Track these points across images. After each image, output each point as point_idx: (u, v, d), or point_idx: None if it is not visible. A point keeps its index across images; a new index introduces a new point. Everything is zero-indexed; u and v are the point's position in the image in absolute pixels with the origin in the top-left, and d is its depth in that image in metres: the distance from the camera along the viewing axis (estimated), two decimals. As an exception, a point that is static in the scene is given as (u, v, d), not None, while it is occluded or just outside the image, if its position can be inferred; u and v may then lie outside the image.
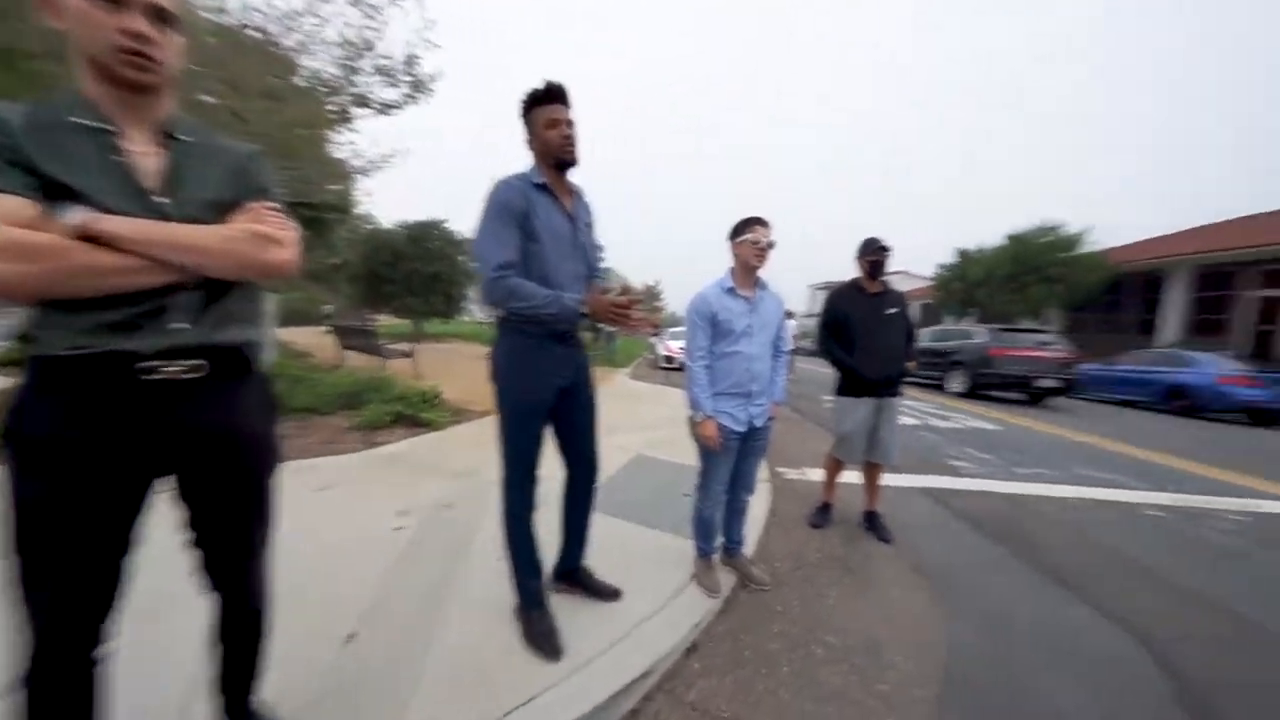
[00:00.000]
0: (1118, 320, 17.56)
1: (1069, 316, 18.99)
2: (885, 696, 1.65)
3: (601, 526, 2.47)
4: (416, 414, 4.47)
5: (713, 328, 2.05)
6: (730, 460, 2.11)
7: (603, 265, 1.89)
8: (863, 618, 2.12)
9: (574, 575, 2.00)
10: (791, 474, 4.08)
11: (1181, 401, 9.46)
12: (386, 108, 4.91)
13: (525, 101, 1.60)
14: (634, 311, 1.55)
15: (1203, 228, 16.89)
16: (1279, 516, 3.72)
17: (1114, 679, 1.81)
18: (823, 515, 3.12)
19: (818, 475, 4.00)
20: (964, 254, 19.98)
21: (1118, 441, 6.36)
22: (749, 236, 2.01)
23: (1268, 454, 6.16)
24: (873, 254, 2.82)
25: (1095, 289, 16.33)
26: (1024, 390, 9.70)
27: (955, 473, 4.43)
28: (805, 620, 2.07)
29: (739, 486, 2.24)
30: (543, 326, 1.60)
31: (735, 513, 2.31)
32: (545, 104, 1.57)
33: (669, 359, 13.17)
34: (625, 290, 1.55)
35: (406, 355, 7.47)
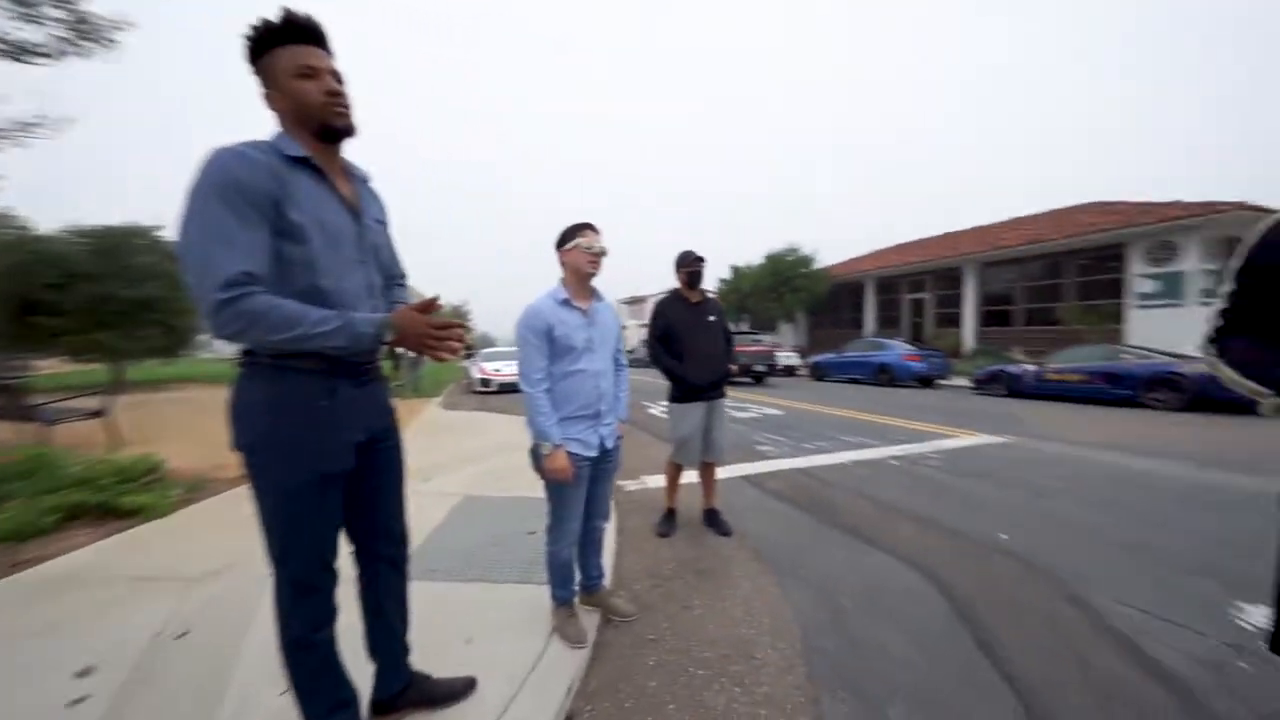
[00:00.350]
0: (840, 319, 23.13)
1: (810, 318, 24.25)
2: (769, 698, 1.65)
3: (430, 600, 1.99)
4: (111, 502, 3.06)
5: (550, 345, 1.83)
6: (583, 490, 1.91)
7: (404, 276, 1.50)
8: (727, 620, 2.14)
9: (405, 696, 1.49)
10: (631, 485, 4.07)
11: (885, 376, 12.86)
12: (20, 53, 3.29)
13: (254, 40, 1.11)
14: (455, 332, 1.22)
15: (881, 250, 23.53)
16: (960, 449, 5.25)
17: (914, 610, 2.19)
18: (669, 523, 3.15)
19: (656, 483, 4.09)
20: (736, 269, 23.78)
21: (857, 411, 8.24)
22: (581, 242, 1.86)
23: (934, 407, 8.77)
24: (690, 265, 2.98)
25: (824, 296, 21.28)
26: (749, 375, 13.13)
27: (764, 457, 5.06)
28: (677, 642, 1.98)
29: (594, 515, 2.05)
30: (324, 362, 1.15)
31: (591, 544, 2.11)
32: (290, 44, 1.12)
33: (485, 382, 12.28)
34: (433, 306, 1.19)
35: (95, 415, 5.20)
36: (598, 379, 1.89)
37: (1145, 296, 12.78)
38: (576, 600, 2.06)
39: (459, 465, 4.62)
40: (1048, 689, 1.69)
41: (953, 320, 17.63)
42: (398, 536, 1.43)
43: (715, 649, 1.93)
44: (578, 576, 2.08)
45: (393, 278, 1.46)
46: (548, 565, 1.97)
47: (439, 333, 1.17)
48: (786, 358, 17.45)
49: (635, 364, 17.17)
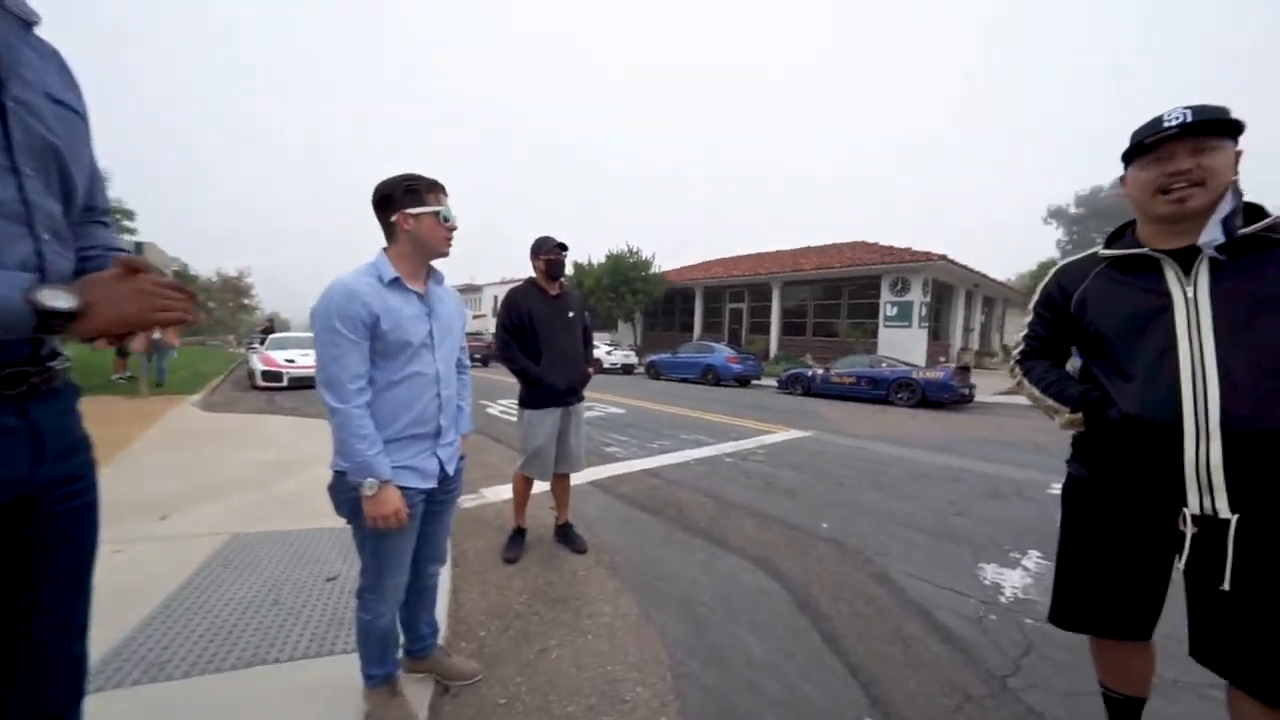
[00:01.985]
0: (673, 322, 24.94)
1: (646, 319, 25.62)
2: (641, 754, 1.45)
3: (174, 705, 1.32)
4: None
5: (374, 341, 1.34)
6: (414, 534, 1.45)
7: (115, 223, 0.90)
8: (590, 658, 1.89)
9: None
10: (469, 501, 3.55)
11: (711, 375, 14.20)
12: None
13: None
14: (177, 301, 0.75)
15: (709, 261, 26.06)
16: (778, 444, 5.93)
17: (765, 609, 2.26)
18: (517, 545, 2.77)
19: (498, 495, 3.64)
20: (579, 266, 23.79)
21: (691, 409, 8.84)
22: (432, 210, 1.39)
23: (752, 404, 9.95)
24: (550, 253, 2.65)
25: (660, 299, 22.71)
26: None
27: (612, 459, 4.97)
28: (534, 699, 1.66)
29: (427, 560, 1.60)
30: None
31: (422, 596, 1.65)
32: None
33: (272, 375, 9.86)
34: (140, 267, 0.72)
35: None
36: (439, 385, 1.46)
37: (889, 318, 16.63)
38: (400, 673, 1.58)
39: (223, 491, 3.46)
40: (881, 670, 1.86)
41: (763, 329, 20.46)
42: (72, 661, 0.84)
43: (579, 699, 1.67)
44: (402, 641, 1.61)
45: (93, 210, 0.86)
46: (360, 637, 1.46)
47: (163, 301, 0.69)
48: (625, 357, 18.06)
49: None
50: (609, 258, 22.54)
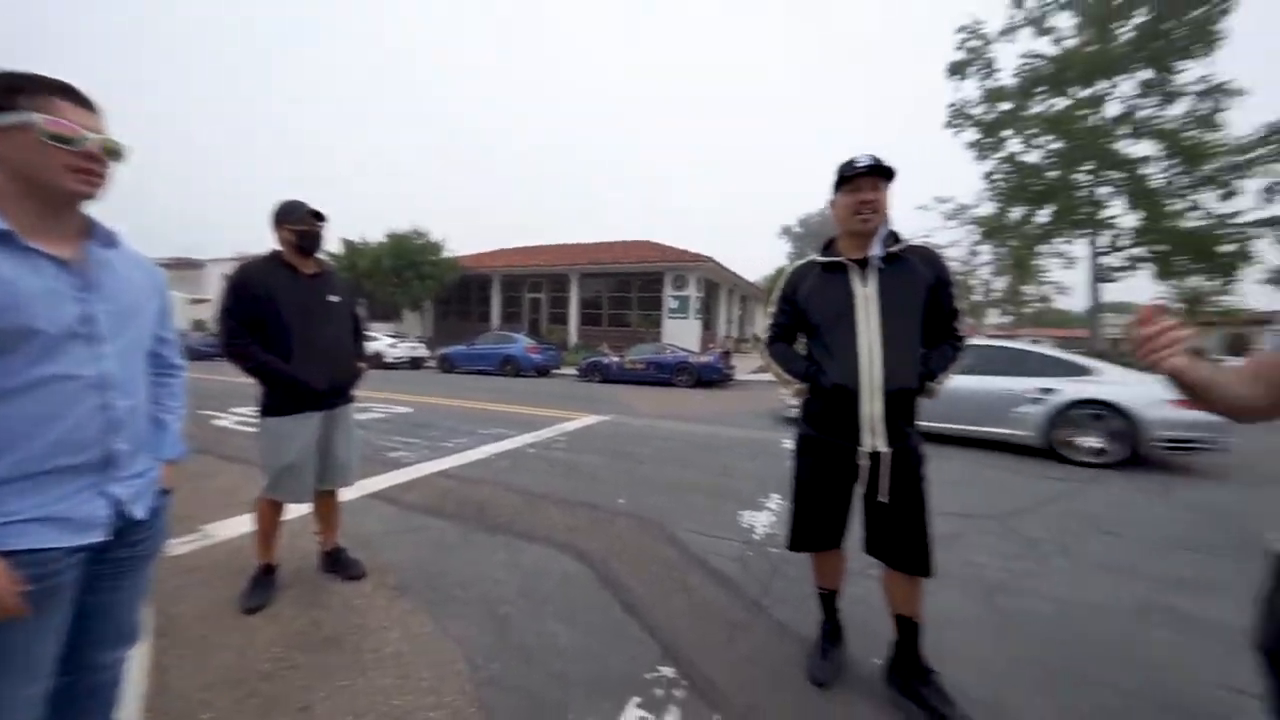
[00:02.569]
0: (468, 312, 23.34)
1: (438, 308, 23.39)
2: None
3: None
4: None
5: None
6: (52, 619, 0.97)
7: None
8: (371, 698, 1.62)
9: None
10: (183, 545, 2.66)
11: (510, 367, 13.81)
12: None
13: None
14: None
15: (507, 249, 25.10)
16: (578, 430, 6.11)
17: (571, 593, 2.30)
18: (264, 588, 2.19)
19: (232, 530, 2.85)
20: (350, 244, 20.21)
21: (490, 402, 8.44)
22: (32, 118, 0.91)
23: (552, 393, 10.07)
24: (302, 222, 2.13)
25: (454, 287, 20.96)
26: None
27: (397, 465, 4.37)
28: (291, 774, 1.34)
29: (99, 646, 1.10)
30: None
31: (92, 700, 1.14)
32: None
33: None
34: None
35: None
36: (106, 393, 1.01)
37: (671, 311, 18.83)
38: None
39: None
40: (672, 622, 2.08)
41: (562, 319, 20.82)
42: None
43: (359, 753, 1.42)
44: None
45: None
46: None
47: None
48: (413, 349, 16.18)
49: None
50: (390, 237, 19.74)
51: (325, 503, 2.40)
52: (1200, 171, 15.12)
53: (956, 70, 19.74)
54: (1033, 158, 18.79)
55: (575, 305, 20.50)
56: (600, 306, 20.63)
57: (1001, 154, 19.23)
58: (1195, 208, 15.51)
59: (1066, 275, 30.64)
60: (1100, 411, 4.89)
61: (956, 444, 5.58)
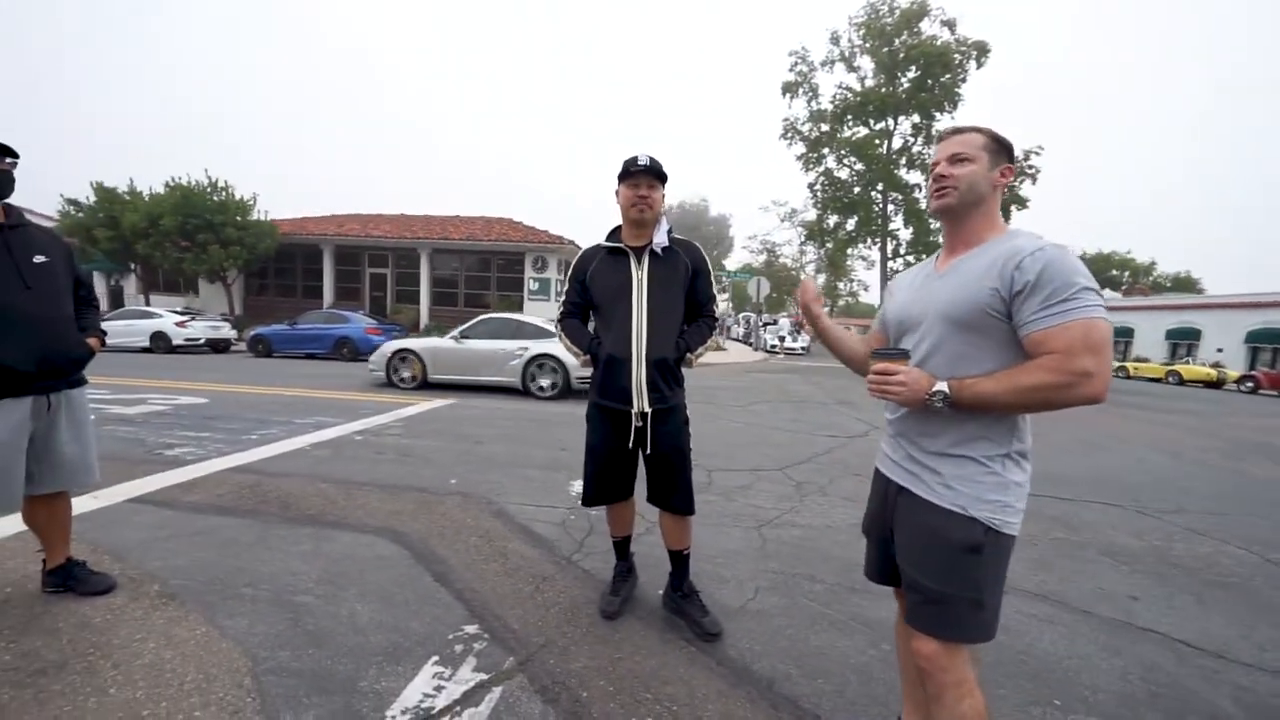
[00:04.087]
0: (290, 286, 19.97)
1: (251, 281, 19.61)
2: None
3: None
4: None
5: None
6: None
7: None
8: (106, 718, 1.44)
9: None
10: None
11: (347, 349, 12.29)
12: None
13: None
14: None
15: (337, 216, 21.90)
16: (419, 415, 5.78)
17: (381, 573, 2.27)
18: (-51, 618, 1.75)
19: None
20: (108, 192, 15.79)
21: (315, 388, 7.48)
22: None
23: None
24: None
25: (270, 256, 17.70)
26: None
27: (177, 463, 3.70)
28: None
29: None
30: None
31: None
32: None
33: None
34: None
35: None
36: None
37: (532, 292, 18.50)
38: None
39: None
40: (483, 585, 2.20)
41: (412, 297, 19.05)
42: None
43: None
44: None
45: None
46: None
47: None
48: (213, 329, 13.44)
49: None
50: (172, 188, 15.85)
51: (49, 510, 1.98)
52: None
53: (788, 90, 22.55)
54: (844, 175, 22.44)
55: (426, 283, 18.90)
56: (456, 285, 19.35)
57: (821, 169, 22.58)
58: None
59: (868, 275, 37.14)
60: (547, 361, 7.40)
61: (491, 392, 7.66)
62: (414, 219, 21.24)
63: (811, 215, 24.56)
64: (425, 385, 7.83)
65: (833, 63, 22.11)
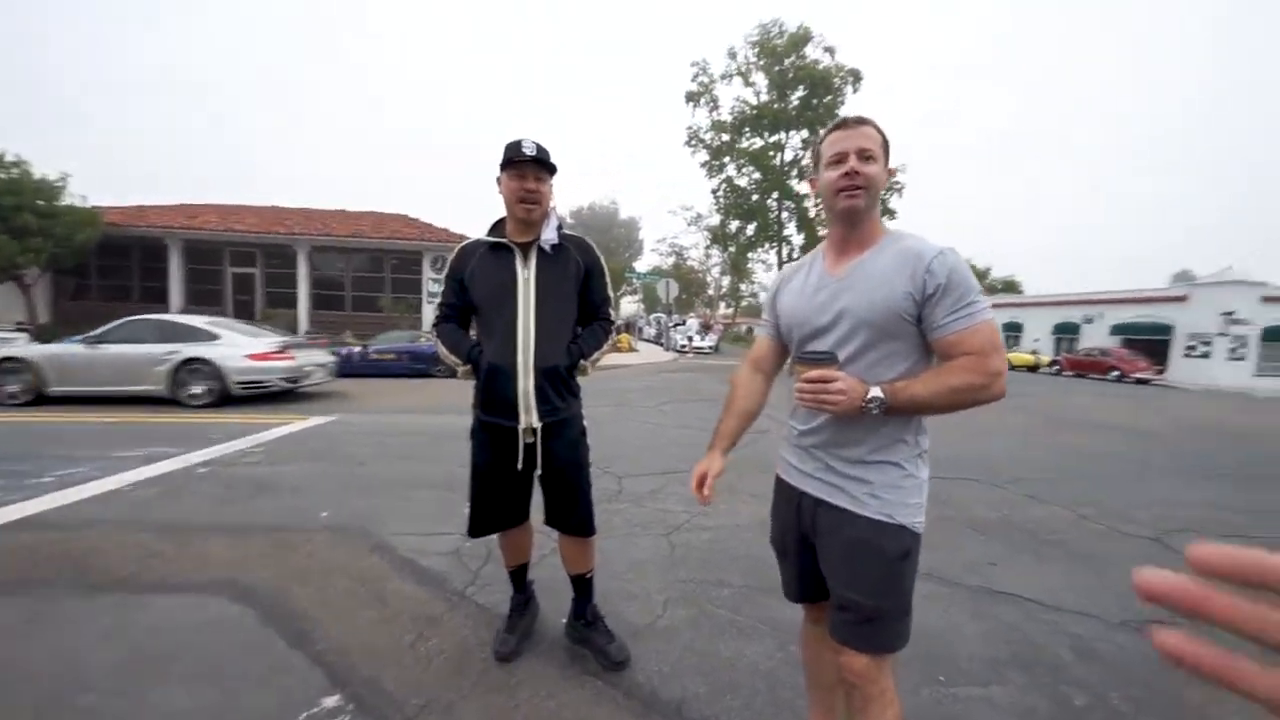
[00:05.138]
0: (120, 288, 16.65)
1: (62, 280, 16.04)
2: None
3: None
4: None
5: None
6: None
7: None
8: None
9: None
10: None
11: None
12: None
13: None
14: None
15: (188, 205, 18.67)
16: (286, 437, 4.98)
17: (211, 642, 1.82)
18: None
19: None
20: None
21: (148, 413, 6.20)
22: None
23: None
24: None
25: (86, 249, 14.53)
26: None
27: (-87, 524, 2.77)
28: None
29: None
30: None
31: None
32: None
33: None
34: None
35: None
36: None
37: (431, 295, 17.20)
38: None
39: None
40: (351, 639, 1.86)
41: (288, 300, 16.80)
42: None
43: None
44: None
45: None
46: None
47: None
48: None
49: None
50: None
51: None
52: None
53: (691, 98, 23.44)
54: (743, 183, 23.82)
55: (306, 284, 16.77)
56: (343, 287, 17.40)
57: (723, 176, 23.78)
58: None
59: (767, 277, 39.82)
60: (201, 367, 6.70)
61: (384, 407, 7.16)
62: (288, 212, 18.75)
63: (715, 220, 25.77)
64: (41, 400, 6.68)
65: (731, 77, 23.36)
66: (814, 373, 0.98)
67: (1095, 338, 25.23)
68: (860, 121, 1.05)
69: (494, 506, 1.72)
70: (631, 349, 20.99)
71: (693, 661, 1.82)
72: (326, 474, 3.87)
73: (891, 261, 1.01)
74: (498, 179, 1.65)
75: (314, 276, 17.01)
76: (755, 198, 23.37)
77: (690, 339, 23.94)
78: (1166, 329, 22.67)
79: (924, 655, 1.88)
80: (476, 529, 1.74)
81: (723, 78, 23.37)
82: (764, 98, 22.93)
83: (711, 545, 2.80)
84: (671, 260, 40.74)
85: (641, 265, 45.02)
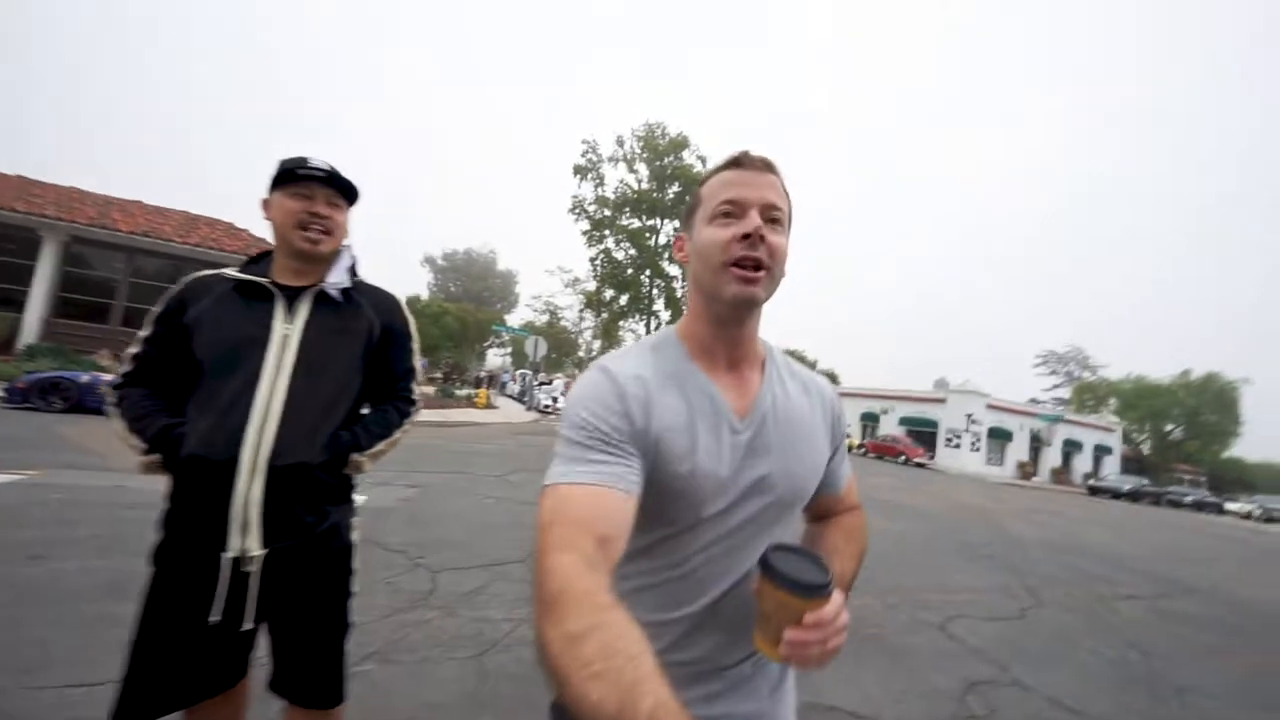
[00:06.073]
0: None
1: None
2: None
3: None
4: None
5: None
6: None
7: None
8: None
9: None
10: None
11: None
12: None
13: None
14: None
15: None
16: None
17: None
18: None
19: None
20: None
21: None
22: None
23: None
24: None
25: None
26: None
27: None
28: None
29: None
30: None
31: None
32: None
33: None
34: None
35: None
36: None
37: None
38: None
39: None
40: None
41: (13, 299, 12.46)
42: None
43: None
44: None
45: None
46: None
47: None
48: None
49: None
50: None
51: None
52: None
53: (579, 172, 24.70)
54: (620, 256, 25.20)
55: (47, 282, 12.68)
56: (112, 295, 13.53)
57: (602, 247, 24.98)
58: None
59: (636, 345, 41.54)
60: None
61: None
62: (42, 186, 14.44)
63: (591, 286, 26.53)
64: None
65: (617, 161, 25.27)
66: (815, 615, 0.58)
67: (888, 426, 30.93)
68: (766, 166, 0.71)
69: (167, 677, 1.10)
70: (490, 405, 19.64)
71: None
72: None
73: (805, 403, 0.77)
74: (264, 201, 1.23)
75: (68, 275, 13.02)
76: (630, 271, 24.78)
77: (555, 399, 23.36)
78: (934, 423, 28.92)
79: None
80: (129, 712, 1.09)
81: (609, 160, 25.17)
82: (645, 185, 25.12)
83: (532, 668, 2.34)
84: (546, 318, 40.46)
85: (515, 319, 43.89)
